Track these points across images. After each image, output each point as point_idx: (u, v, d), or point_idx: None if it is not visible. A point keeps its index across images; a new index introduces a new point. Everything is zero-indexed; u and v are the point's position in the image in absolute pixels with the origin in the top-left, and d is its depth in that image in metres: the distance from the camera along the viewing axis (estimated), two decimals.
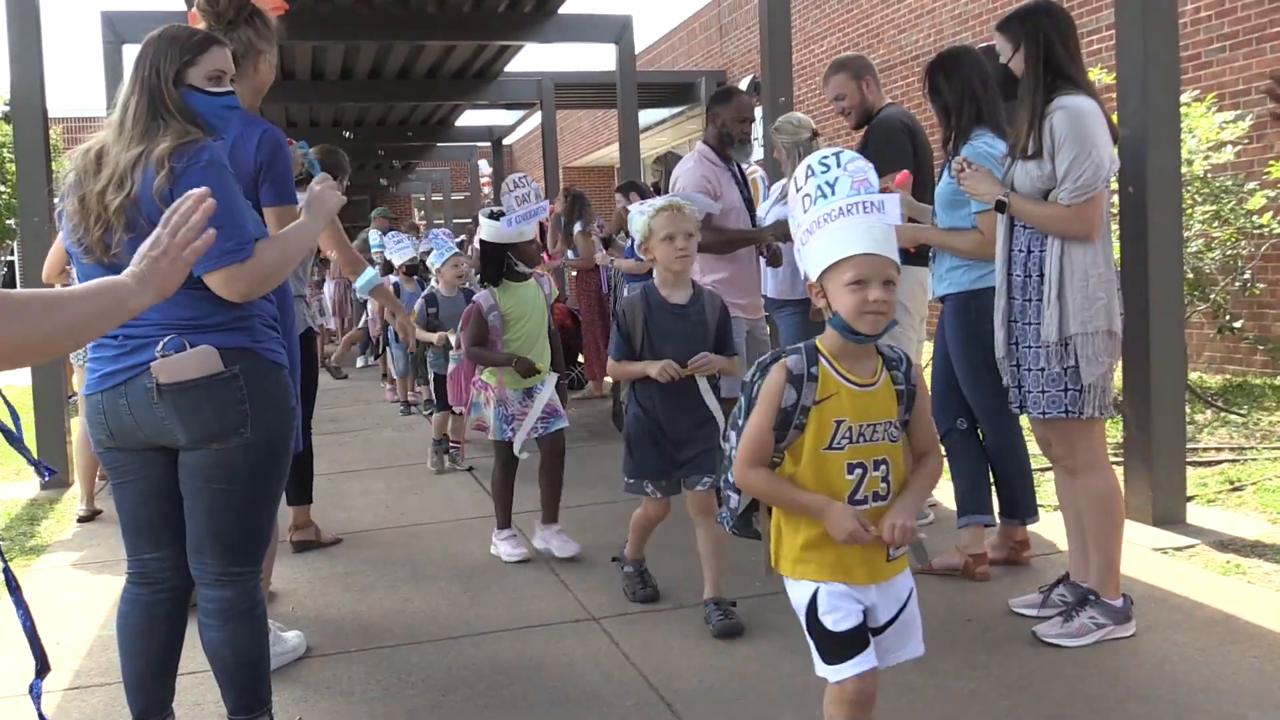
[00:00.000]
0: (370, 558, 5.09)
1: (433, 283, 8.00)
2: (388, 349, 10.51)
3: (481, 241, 5.02)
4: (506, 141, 24.16)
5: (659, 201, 3.96)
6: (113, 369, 2.73)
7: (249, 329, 2.78)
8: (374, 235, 12.67)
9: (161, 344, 2.66)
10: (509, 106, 19.00)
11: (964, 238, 4.17)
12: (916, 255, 4.72)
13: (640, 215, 3.96)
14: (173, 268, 2.09)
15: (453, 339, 6.22)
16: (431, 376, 7.51)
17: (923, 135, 5.15)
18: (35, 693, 2.02)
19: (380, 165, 24.28)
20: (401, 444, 8.28)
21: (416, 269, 9.77)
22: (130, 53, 11.37)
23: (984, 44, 4.54)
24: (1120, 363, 4.87)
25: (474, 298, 5.00)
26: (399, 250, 9.98)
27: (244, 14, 3.01)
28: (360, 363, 13.87)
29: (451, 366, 5.25)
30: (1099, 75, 6.84)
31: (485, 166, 24.20)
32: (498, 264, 4.90)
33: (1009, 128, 4.04)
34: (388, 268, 10.60)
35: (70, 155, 2.84)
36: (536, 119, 18.66)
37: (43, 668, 2.03)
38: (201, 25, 2.97)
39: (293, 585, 4.64)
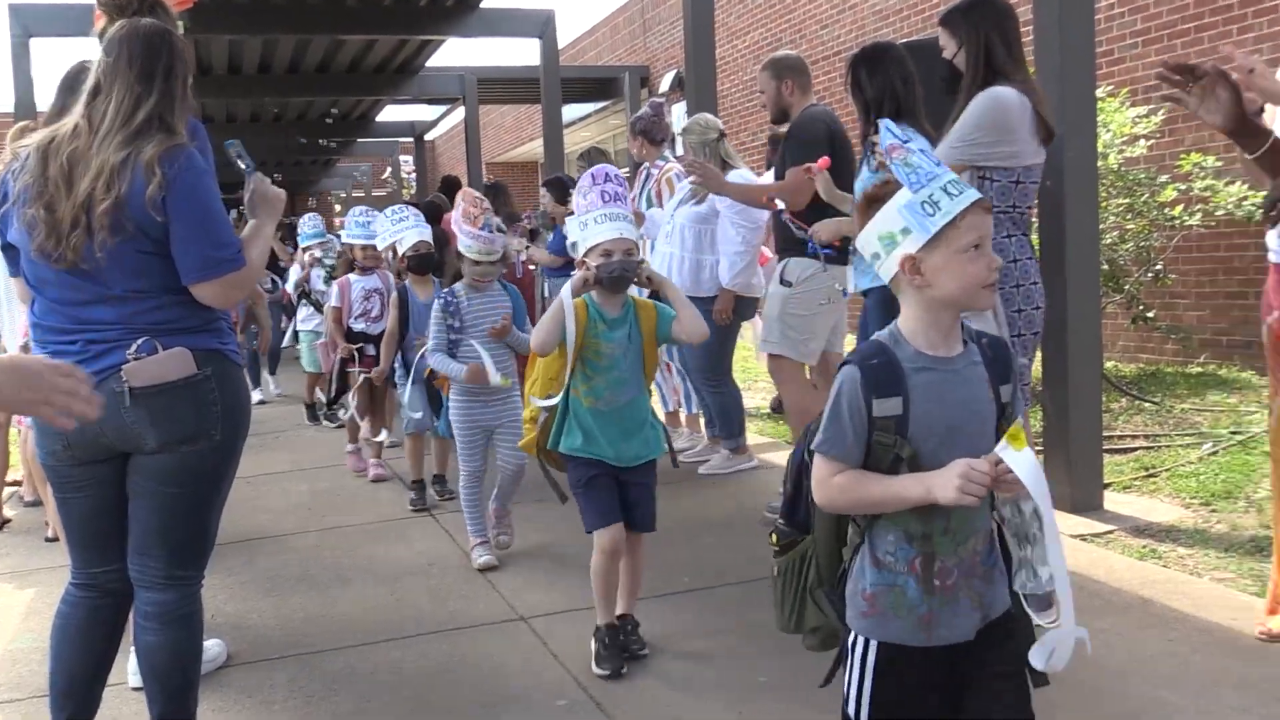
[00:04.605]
0: (292, 561, 4.99)
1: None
2: (361, 385, 6.48)
3: None
4: (429, 137, 23.95)
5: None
6: None
7: (217, 330, 2.79)
8: (309, 222, 9.39)
9: (135, 346, 2.61)
10: (431, 101, 18.83)
11: None
12: (838, 252, 4.76)
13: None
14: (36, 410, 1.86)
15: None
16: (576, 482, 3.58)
17: (843, 134, 5.18)
18: None
19: (300, 161, 23.91)
20: (325, 444, 8.15)
21: (431, 261, 6.10)
22: (39, 47, 11.07)
23: (905, 40, 4.60)
24: (1039, 353, 4.96)
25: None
26: (400, 228, 6.13)
27: (145, 5, 2.93)
28: (258, 397, 10.21)
29: None
30: None
31: (407, 162, 23.97)
32: None
33: (930, 126, 4.10)
34: (348, 266, 7.05)
35: (10, 158, 2.72)
36: (460, 114, 18.51)
37: None
38: (103, 20, 2.87)
39: (211, 591, 4.52)
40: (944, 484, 1.90)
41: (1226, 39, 7.88)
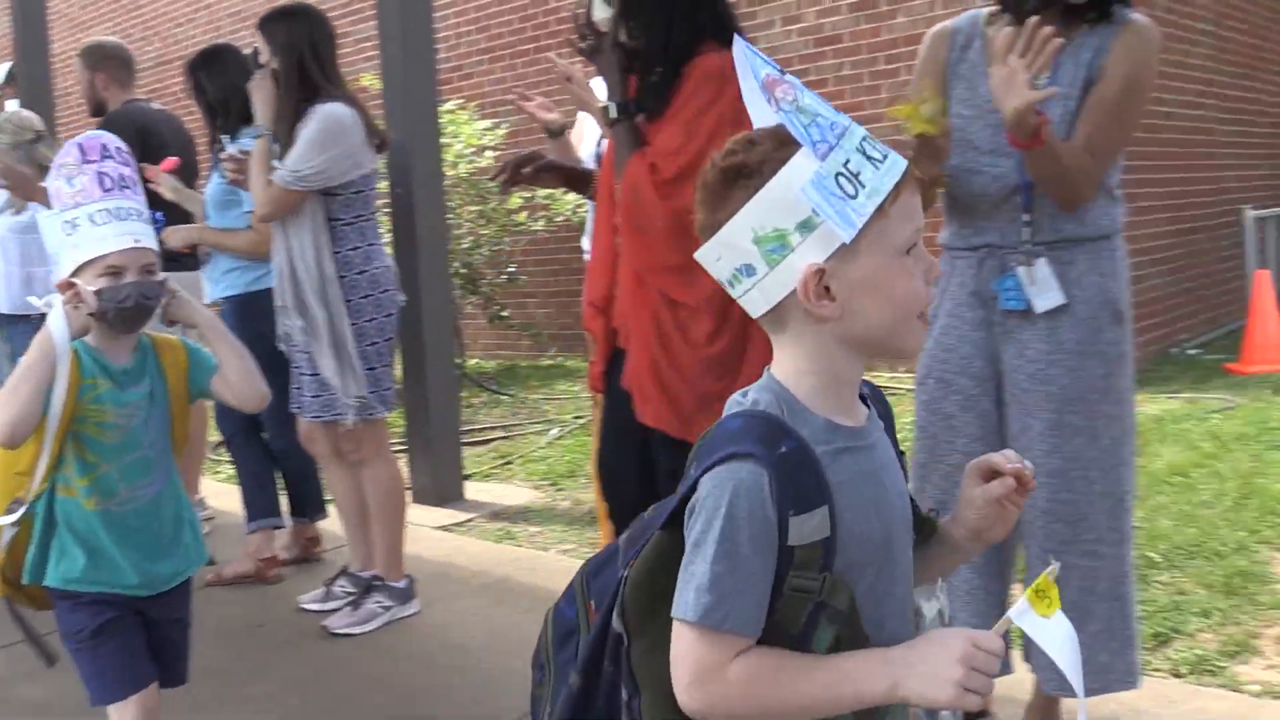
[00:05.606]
0: None
1: None
2: None
3: None
4: None
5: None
6: None
7: None
8: None
9: None
10: None
11: (239, 238, 4.13)
12: (189, 259, 4.57)
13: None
14: None
15: None
16: None
17: (165, 135, 4.89)
18: None
19: None
20: None
21: None
22: None
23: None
24: (399, 355, 5.16)
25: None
26: None
27: None
28: None
29: None
30: (372, 81, 7.13)
31: None
32: None
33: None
34: None
35: None
36: None
37: None
38: None
39: None
40: (930, 675, 1.10)
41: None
